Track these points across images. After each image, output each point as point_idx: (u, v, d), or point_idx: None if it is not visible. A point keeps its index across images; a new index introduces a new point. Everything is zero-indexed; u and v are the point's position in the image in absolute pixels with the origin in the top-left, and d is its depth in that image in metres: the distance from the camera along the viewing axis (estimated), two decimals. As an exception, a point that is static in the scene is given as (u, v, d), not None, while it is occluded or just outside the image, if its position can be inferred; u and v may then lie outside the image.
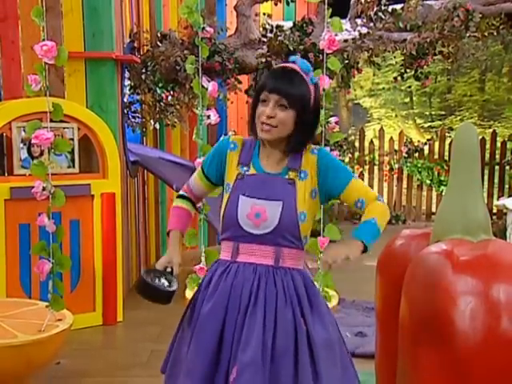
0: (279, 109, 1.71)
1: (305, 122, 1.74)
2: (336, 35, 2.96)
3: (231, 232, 1.78)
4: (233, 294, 1.73)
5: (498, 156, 8.56)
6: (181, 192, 1.96)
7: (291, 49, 5.03)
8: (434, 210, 8.51)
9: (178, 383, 1.78)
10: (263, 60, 5.15)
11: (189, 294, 3.24)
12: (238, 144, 1.84)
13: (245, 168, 1.80)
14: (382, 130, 8.97)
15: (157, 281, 1.75)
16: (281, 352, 1.67)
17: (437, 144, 8.75)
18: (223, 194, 1.84)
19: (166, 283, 1.75)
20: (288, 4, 5.59)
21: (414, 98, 13.44)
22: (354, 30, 5.35)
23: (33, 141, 2.78)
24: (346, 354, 1.81)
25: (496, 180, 8.57)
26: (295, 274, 1.78)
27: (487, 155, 8.55)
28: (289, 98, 1.70)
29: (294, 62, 1.77)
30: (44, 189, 2.80)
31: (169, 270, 1.80)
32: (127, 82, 4.98)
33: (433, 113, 13.26)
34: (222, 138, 1.91)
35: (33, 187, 2.83)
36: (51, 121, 2.83)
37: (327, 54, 3.02)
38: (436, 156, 8.66)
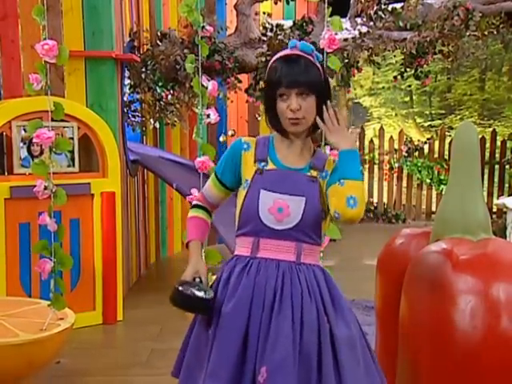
0: (301, 98, 1.70)
1: (325, 101, 1.73)
2: (336, 34, 2.95)
3: (251, 227, 1.74)
4: (256, 291, 1.69)
5: (497, 155, 8.57)
6: (195, 202, 1.92)
7: (291, 48, 5.02)
8: (433, 209, 8.51)
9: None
10: (263, 59, 5.15)
11: (189, 293, 3.24)
12: (252, 144, 1.81)
13: (262, 163, 1.77)
14: (381, 129, 8.97)
15: (193, 291, 1.72)
16: (307, 350, 1.65)
17: (437, 143, 8.76)
18: (238, 191, 1.81)
19: (201, 293, 1.72)
20: (288, 3, 5.59)
21: (414, 97, 13.45)
22: (354, 29, 5.34)
23: (34, 140, 2.78)
24: (367, 351, 1.76)
25: (496, 179, 8.57)
26: (316, 270, 1.76)
27: (487, 154, 8.56)
28: (308, 85, 1.70)
29: (295, 47, 1.76)
30: (46, 188, 2.80)
31: (197, 280, 1.77)
32: (127, 81, 4.98)
33: (433, 112, 13.27)
34: (234, 141, 1.87)
35: (33, 186, 2.83)
36: (51, 120, 2.83)
37: (327, 53, 3.02)
38: (436, 155, 8.66)
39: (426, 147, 8.71)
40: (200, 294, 1.71)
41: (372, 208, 8.66)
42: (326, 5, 3.03)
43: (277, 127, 1.78)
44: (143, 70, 4.95)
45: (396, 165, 8.64)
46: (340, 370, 1.65)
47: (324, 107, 1.67)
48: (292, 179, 1.74)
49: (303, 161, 1.78)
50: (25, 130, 3.63)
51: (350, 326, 1.73)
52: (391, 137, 8.79)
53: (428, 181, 8.58)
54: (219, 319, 1.72)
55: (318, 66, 1.76)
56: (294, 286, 1.70)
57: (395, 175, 8.69)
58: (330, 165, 1.77)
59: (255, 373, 1.64)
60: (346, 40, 5.22)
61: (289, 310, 1.67)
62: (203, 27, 3.24)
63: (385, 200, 8.77)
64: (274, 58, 1.78)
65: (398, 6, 5.48)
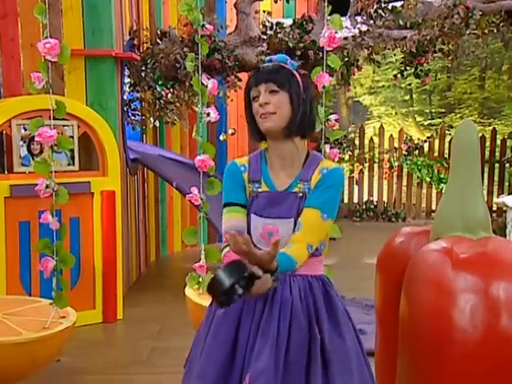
0: (271, 95, 1.70)
1: (299, 103, 1.72)
2: (336, 33, 2.95)
3: None
4: (247, 299, 1.69)
5: (497, 154, 8.57)
6: (224, 244, 1.79)
7: (291, 46, 5.02)
8: (433, 207, 8.52)
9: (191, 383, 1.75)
10: (263, 57, 5.15)
11: (188, 291, 3.25)
12: (246, 164, 1.81)
13: (256, 185, 1.77)
14: (381, 127, 8.97)
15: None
16: (293, 360, 1.65)
17: (437, 142, 8.76)
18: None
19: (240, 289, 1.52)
20: (288, 1, 5.59)
21: (414, 96, 13.44)
22: (354, 28, 5.34)
23: (36, 138, 2.79)
24: (364, 365, 1.76)
25: (496, 178, 8.58)
26: (313, 280, 1.76)
27: (487, 153, 8.56)
28: (276, 80, 1.70)
29: (270, 61, 1.79)
30: (47, 186, 2.80)
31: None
32: (127, 80, 4.98)
33: (433, 110, 13.27)
34: (227, 167, 1.84)
35: (33, 185, 2.84)
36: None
37: (327, 52, 3.02)
38: (436, 154, 8.66)
39: (426, 146, 8.70)
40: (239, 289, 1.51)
41: (372, 207, 8.66)
42: (326, 3, 3.03)
43: (257, 134, 1.78)
44: (143, 68, 4.95)
45: (396, 163, 8.63)
46: (330, 381, 1.65)
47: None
48: (281, 201, 1.74)
49: (294, 173, 1.77)
50: (25, 128, 3.63)
51: (345, 340, 1.72)
52: (391, 135, 8.79)
53: (428, 179, 8.58)
54: (212, 323, 1.75)
55: (293, 71, 1.76)
56: (285, 295, 1.70)
57: (395, 174, 8.69)
58: (316, 178, 1.75)
59: (241, 379, 1.66)
60: (345, 38, 5.22)
61: (275, 320, 1.67)
62: (203, 26, 3.24)
63: (385, 199, 8.77)
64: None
65: (398, 4, 5.47)
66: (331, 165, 1.77)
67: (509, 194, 7.71)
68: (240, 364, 1.67)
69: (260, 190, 1.76)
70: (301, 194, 1.74)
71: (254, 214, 1.74)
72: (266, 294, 1.67)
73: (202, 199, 3.22)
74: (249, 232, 1.73)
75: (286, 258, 1.63)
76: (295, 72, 1.76)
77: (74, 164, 3.86)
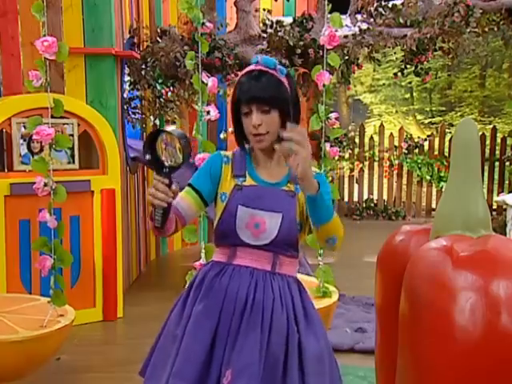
0: (262, 114, 1.69)
1: (289, 115, 1.72)
2: (336, 31, 2.95)
3: (228, 241, 1.75)
4: (228, 295, 1.70)
5: (498, 152, 8.57)
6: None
7: (291, 44, 5.02)
8: (433, 205, 8.52)
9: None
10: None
11: (189, 289, 3.24)
12: (230, 157, 1.82)
13: (241, 179, 1.77)
14: (382, 126, 8.96)
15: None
16: (272, 357, 1.66)
17: (437, 140, 8.76)
18: (216, 202, 1.79)
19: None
20: (288, 0, 5.58)
21: (415, 94, 13.43)
22: (354, 26, 5.34)
23: (34, 136, 2.78)
24: (335, 368, 1.79)
25: (496, 176, 8.58)
26: (291, 281, 1.77)
27: (487, 151, 8.56)
28: (268, 101, 1.68)
29: (257, 63, 1.75)
30: (45, 184, 2.80)
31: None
32: (127, 78, 4.97)
33: (433, 109, 13.25)
34: (213, 154, 1.86)
35: (33, 183, 2.83)
36: (51, 117, 2.83)
37: (327, 50, 3.01)
38: (436, 152, 8.66)
39: (426, 144, 8.71)
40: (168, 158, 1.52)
41: (372, 205, 8.66)
42: (326, 1, 3.03)
43: (243, 144, 1.78)
44: (143, 66, 4.95)
45: (396, 162, 8.63)
46: (304, 380, 1.66)
47: (283, 139, 1.51)
48: (270, 195, 1.74)
49: (281, 172, 1.77)
50: (25, 126, 3.63)
51: (320, 340, 1.73)
52: (391, 134, 8.79)
53: (428, 178, 8.58)
54: (189, 320, 1.73)
55: (283, 79, 1.73)
56: (267, 293, 1.70)
57: (395, 172, 8.69)
58: None
59: (220, 375, 1.65)
60: (346, 37, 5.21)
61: (259, 316, 1.67)
62: (203, 24, 3.24)
63: (385, 197, 8.77)
64: (239, 75, 1.78)
65: (399, 2, 5.47)
66: (314, 170, 1.74)
67: (509, 192, 7.70)
68: (218, 361, 1.66)
69: (245, 183, 1.76)
70: (293, 194, 1.74)
71: (242, 206, 1.73)
72: (247, 292, 1.68)
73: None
74: (234, 223, 1.71)
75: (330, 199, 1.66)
76: (284, 78, 1.73)
77: (74, 162, 3.86)
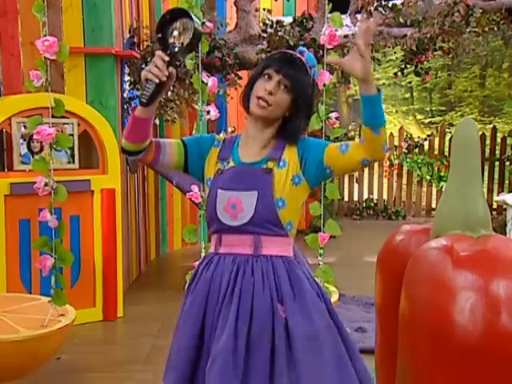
0: (279, 88, 1.72)
1: (299, 109, 1.75)
2: (336, 30, 2.95)
3: (214, 227, 1.79)
4: (212, 285, 1.74)
5: (497, 152, 8.57)
6: None
7: (291, 44, 5.02)
8: (433, 205, 8.52)
9: (166, 377, 1.80)
10: (263, 55, 5.14)
11: (189, 289, 3.25)
12: (221, 141, 1.86)
13: (224, 163, 1.80)
14: (382, 125, 8.95)
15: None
16: (256, 340, 1.66)
17: (437, 140, 8.75)
18: (204, 188, 1.85)
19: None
20: (288, -1, 5.59)
21: (415, 94, 13.44)
22: (355, 26, 5.33)
23: (35, 136, 2.78)
24: (339, 342, 1.74)
25: (496, 176, 8.58)
26: (277, 261, 1.75)
27: (487, 151, 8.56)
28: (293, 81, 1.72)
29: (301, 54, 1.79)
30: (46, 184, 2.80)
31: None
32: (127, 78, 4.97)
33: (433, 108, 13.26)
34: (209, 134, 1.91)
35: (33, 183, 2.83)
36: (51, 116, 2.83)
37: (327, 50, 3.01)
38: (436, 152, 8.66)
39: (426, 144, 8.70)
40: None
41: (372, 205, 8.66)
42: (327, 1, 3.03)
43: (247, 108, 1.79)
44: (143, 66, 4.94)
45: (396, 161, 8.63)
46: (294, 357, 1.66)
47: (359, 23, 1.65)
48: (247, 174, 1.76)
49: (262, 154, 1.79)
50: (25, 126, 3.63)
51: (313, 319, 1.70)
52: (391, 133, 8.79)
53: (428, 177, 8.58)
54: (180, 317, 1.80)
55: (311, 81, 1.78)
56: (247, 276, 1.72)
57: (395, 172, 8.69)
58: (288, 153, 1.77)
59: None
60: (346, 36, 5.21)
61: (236, 300, 1.69)
62: (203, 23, 3.24)
63: (385, 197, 8.77)
64: (278, 51, 1.82)
65: (399, 2, 5.47)
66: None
67: (509, 192, 7.70)
68: (207, 349, 1.70)
69: (226, 167, 1.79)
70: (268, 170, 1.75)
71: (220, 189, 1.76)
72: (229, 279, 1.71)
73: (202, 197, 3.22)
74: (215, 207, 1.75)
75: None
76: (312, 81, 1.78)
77: (74, 162, 3.86)
